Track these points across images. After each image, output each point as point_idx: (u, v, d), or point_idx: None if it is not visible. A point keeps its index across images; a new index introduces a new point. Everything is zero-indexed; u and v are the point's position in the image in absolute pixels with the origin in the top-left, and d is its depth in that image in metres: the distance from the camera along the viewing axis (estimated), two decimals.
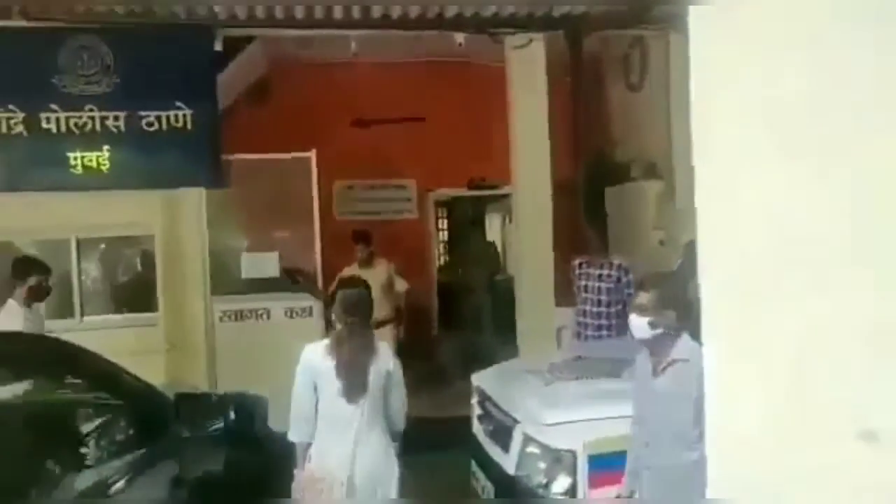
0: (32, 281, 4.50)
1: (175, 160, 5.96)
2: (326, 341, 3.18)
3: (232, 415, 2.89)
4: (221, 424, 2.83)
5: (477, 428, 3.69)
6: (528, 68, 6.32)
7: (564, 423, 2.97)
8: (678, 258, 4.86)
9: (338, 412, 2.97)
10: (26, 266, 4.66)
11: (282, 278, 6.11)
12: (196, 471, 2.92)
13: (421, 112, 7.87)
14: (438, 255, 10.19)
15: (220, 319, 6.11)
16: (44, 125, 5.84)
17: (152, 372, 5.95)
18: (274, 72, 7.68)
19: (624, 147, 7.17)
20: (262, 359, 5.94)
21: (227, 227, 6.26)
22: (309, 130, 7.06)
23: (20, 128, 5.82)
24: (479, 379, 4.06)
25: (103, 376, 2.68)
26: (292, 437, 3.01)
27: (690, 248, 3.86)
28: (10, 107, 5.79)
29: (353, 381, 2.98)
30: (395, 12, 5.95)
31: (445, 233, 11.09)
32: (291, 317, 6.11)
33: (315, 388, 3.03)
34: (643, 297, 2.60)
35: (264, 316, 6.08)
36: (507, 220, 10.10)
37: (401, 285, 6.35)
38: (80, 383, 2.79)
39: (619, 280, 5.08)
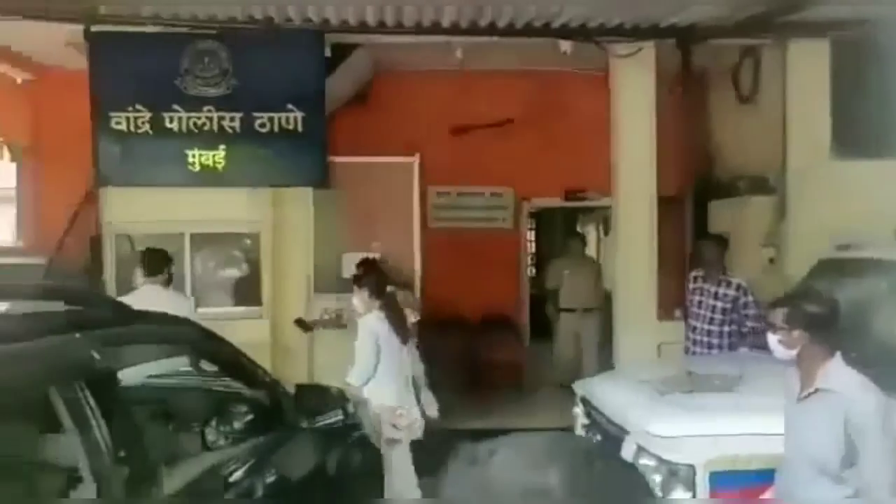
0: (167, 272, 4.78)
1: (284, 160, 6.20)
2: (375, 313, 4.43)
3: (351, 408, 2.97)
4: (340, 418, 2.90)
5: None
6: (634, 78, 6.24)
7: (682, 436, 2.91)
8: (795, 275, 4.66)
9: (394, 354, 4.33)
10: (163, 258, 4.91)
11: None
12: (312, 462, 3.01)
13: (518, 120, 7.89)
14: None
15: (321, 316, 6.29)
16: (167, 124, 6.18)
17: (264, 362, 6.27)
18: (376, 78, 7.86)
19: (732, 161, 6.97)
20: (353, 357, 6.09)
21: (330, 227, 6.45)
22: (407, 137, 7.19)
23: (146, 127, 6.18)
24: (582, 388, 4.02)
25: (234, 364, 2.80)
26: (355, 381, 4.19)
27: (822, 266, 3.72)
28: (139, 107, 6.16)
29: (403, 330, 4.49)
30: (503, 21, 6.00)
31: (532, 244, 11.04)
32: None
33: (377, 344, 4.28)
34: (776, 317, 2.52)
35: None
36: (602, 233, 9.97)
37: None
38: (213, 369, 2.93)
39: (736, 300, 4.92)
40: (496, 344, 7.78)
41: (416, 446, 4.18)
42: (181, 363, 2.97)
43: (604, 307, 7.36)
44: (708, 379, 3.58)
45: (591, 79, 7.05)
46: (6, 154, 8.01)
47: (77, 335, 1.79)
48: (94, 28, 6.14)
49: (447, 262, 7.32)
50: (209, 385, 3.18)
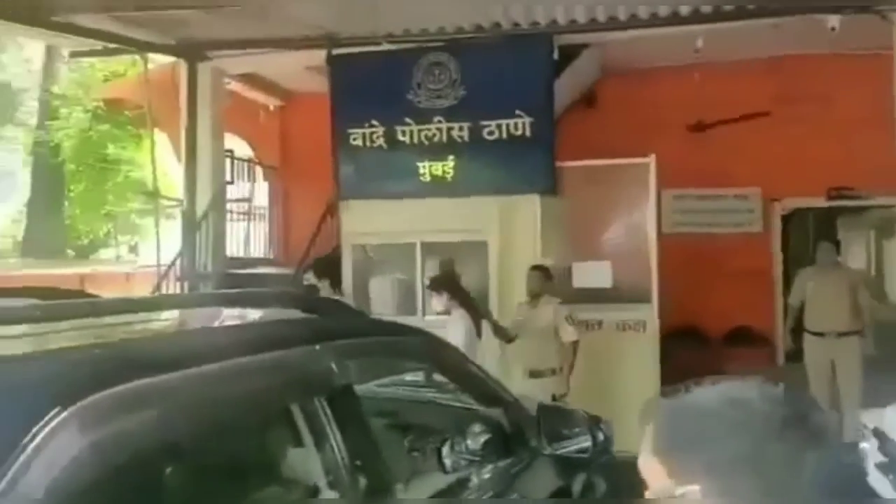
0: None
1: (513, 167, 6.06)
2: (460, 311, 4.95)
3: (601, 435, 2.66)
4: (588, 444, 2.60)
5: (876, 477, 2.98)
6: None
7: None
8: None
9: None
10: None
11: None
12: (555, 490, 2.74)
13: (773, 112, 7.04)
14: None
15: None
16: (399, 137, 6.34)
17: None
18: (603, 78, 7.47)
19: None
20: (591, 371, 5.74)
21: (558, 234, 6.18)
22: (638, 138, 6.70)
23: (381, 141, 6.39)
24: (875, 418, 3.32)
25: (471, 379, 2.62)
26: None
27: None
28: (373, 122, 6.39)
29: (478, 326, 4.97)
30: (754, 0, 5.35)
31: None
32: (623, 329, 5.82)
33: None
34: None
35: (595, 327, 5.86)
36: (876, 238, 8.61)
37: (568, 335, 5.16)
38: (446, 383, 2.77)
39: None
40: (743, 363, 6.97)
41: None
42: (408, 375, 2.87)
43: (864, 330, 5.80)
44: None
45: (865, 59, 6.06)
46: (260, 175, 8.83)
47: (317, 347, 1.70)
48: (334, 52, 6.50)
49: (685, 270, 6.70)
50: (442, 399, 3.04)
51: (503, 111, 6.09)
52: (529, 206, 6.14)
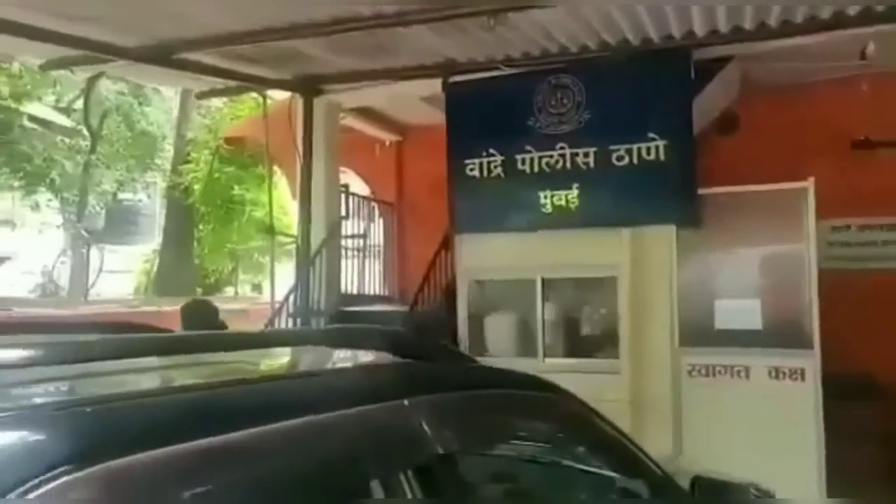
0: None
1: (645, 196, 5.46)
2: None
3: None
4: None
5: None
6: None
7: None
8: None
9: None
10: None
11: None
12: None
13: None
14: None
15: (689, 373, 5.31)
16: (519, 167, 5.90)
17: (616, 422, 5.53)
18: (744, 96, 6.73)
19: None
20: (734, 425, 4.99)
21: (698, 269, 5.47)
22: (788, 162, 5.88)
23: (499, 170, 5.98)
24: None
25: (610, 444, 2.09)
26: None
27: None
28: (491, 151, 6.00)
29: None
30: None
31: None
32: (777, 378, 5.01)
33: None
34: None
35: (742, 374, 5.10)
36: None
37: None
38: (578, 449, 2.24)
39: None
40: None
41: None
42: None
43: None
44: None
45: None
46: (376, 211, 8.65)
47: (405, 402, 1.25)
48: (451, 79, 6.20)
49: (849, 311, 5.77)
50: (570, 463, 2.50)
51: (634, 134, 5.53)
52: (665, 238, 5.49)
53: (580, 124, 5.71)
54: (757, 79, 6.42)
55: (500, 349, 6.10)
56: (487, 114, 6.01)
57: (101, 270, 15.46)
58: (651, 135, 5.45)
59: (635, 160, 5.49)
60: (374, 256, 8.56)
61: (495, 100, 6.00)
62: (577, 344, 6.00)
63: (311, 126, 6.72)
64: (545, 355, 5.91)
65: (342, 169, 8.17)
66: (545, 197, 5.78)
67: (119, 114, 15.68)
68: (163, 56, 5.48)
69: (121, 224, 19.83)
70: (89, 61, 5.79)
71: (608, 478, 2.28)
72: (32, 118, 14.33)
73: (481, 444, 1.78)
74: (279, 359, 1.68)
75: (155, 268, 14.90)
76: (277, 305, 6.87)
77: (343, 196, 7.20)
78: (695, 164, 5.45)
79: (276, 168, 7.76)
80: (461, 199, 6.13)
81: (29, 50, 6.09)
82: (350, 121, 7.82)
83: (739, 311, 5.23)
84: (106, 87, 15.15)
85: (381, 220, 8.75)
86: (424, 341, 1.85)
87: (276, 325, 6.47)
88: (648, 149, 5.45)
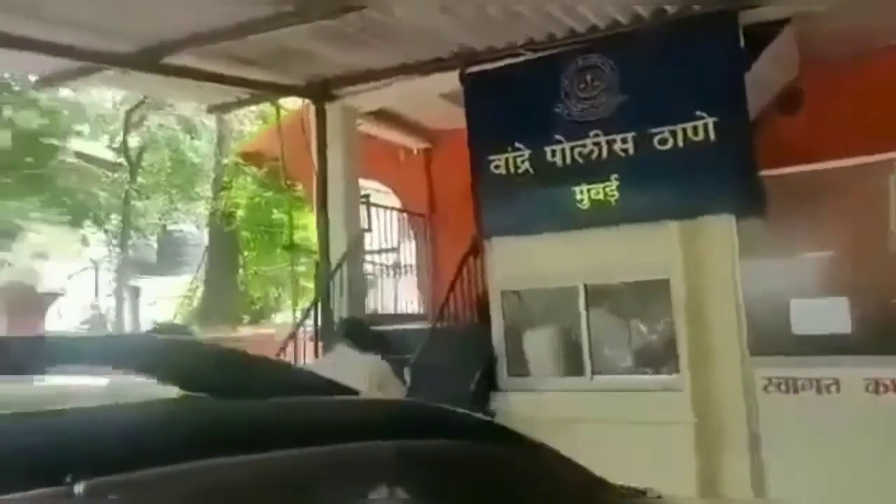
0: None
1: (696, 183, 4.74)
2: None
3: None
4: None
5: None
6: None
7: None
8: None
9: None
10: None
11: None
12: None
13: None
14: None
15: (765, 389, 4.50)
16: (549, 159, 5.26)
17: (677, 449, 4.80)
18: (808, 68, 5.91)
19: None
20: (827, 447, 4.15)
21: (766, 264, 4.68)
22: (865, 137, 5.04)
23: (527, 165, 5.34)
24: None
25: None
26: None
27: None
28: (517, 145, 5.37)
29: None
30: None
31: None
32: (876, 392, 4.14)
33: None
34: None
35: (832, 388, 4.27)
36: None
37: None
38: None
39: None
40: None
41: None
42: None
43: None
44: None
45: None
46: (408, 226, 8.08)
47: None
48: (468, 70, 5.62)
49: None
50: None
51: (678, 114, 4.81)
52: (722, 230, 4.73)
53: (615, 108, 5.03)
54: (819, 48, 5.60)
55: (541, 368, 5.42)
56: (511, 104, 5.40)
57: (144, 303, 15.44)
58: (698, 113, 4.73)
59: (681, 143, 4.77)
60: (407, 272, 7.98)
61: (518, 88, 5.39)
62: (630, 359, 5.26)
63: (324, 133, 6.21)
64: (593, 372, 5.20)
65: (371, 181, 7.67)
66: (581, 192, 5.11)
67: (169, 147, 15.76)
68: (152, 61, 5.07)
69: (170, 256, 19.92)
70: (83, 73, 5.44)
71: None
72: (78, 154, 14.43)
73: None
74: None
75: (198, 296, 14.71)
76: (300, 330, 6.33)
77: (365, 207, 6.65)
78: (753, 144, 4.70)
79: (300, 183, 7.28)
80: (488, 200, 5.52)
81: (20, 64, 5.81)
82: (372, 128, 7.30)
83: (822, 311, 4.39)
84: (155, 122, 15.43)
85: (412, 234, 8.18)
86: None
87: (292, 351, 5.93)
88: (696, 129, 4.73)
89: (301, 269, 13.10)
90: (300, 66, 5.93)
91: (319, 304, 6.07)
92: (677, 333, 4.86)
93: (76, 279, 14.82)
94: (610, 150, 5.02)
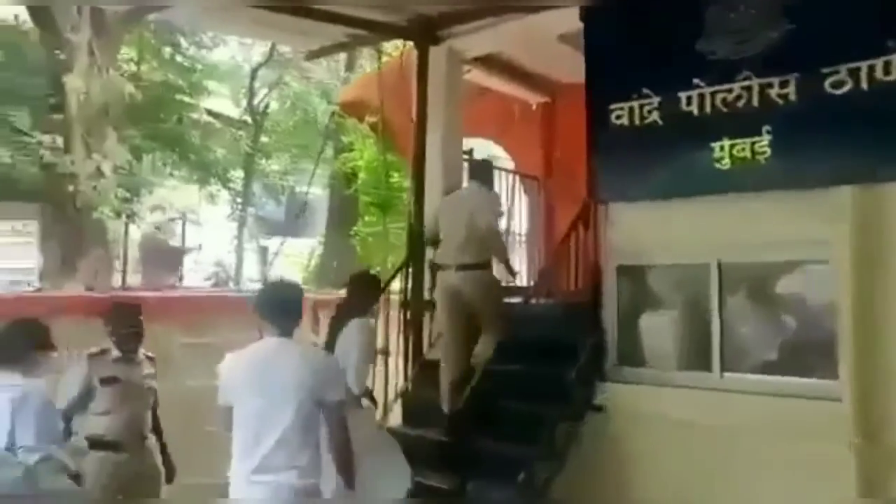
0: None
1: (884, 137, 3.66)
2: None
3: None
4: None
5: None
6: None
7: None
8: None
9: None
10: None
11: None
12: None
13: None
14: None
15: None
16: (684, 108, 4.32)
17: (831, 474, 3.64)
18: None
19: None
20: None
21: None
22: None
23: (655, 115, 4.43)
24: None
25: None
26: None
27: None
28: (645, 91, 4.47)
29: None
30: None
31: None
32: None
33: None
34: None
35: None
36: None
37: None
38: None
39: None
40: None
41: None
42: None
43: None
44: None
45: None
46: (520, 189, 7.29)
47: None
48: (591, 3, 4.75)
49: None
50: None
51: (859, 47, 3.73)
52: None
53: (774, 41, 4.00)
54: None
55: (659, 359, 4.55)
56: (640, 41, 4.48)
57: (271, 263, 15.64)
58: (891, 43, 3.62)
59: (865, 84, 3.69)
60: (517, 241, 7.22)
61: (650, 21, 4.46)
62: (771, 355, 4.27)
63: (425, 80, 5.56)
64: (723, 369, 4.27)
65: (480, 138, 6.97)
66: (721, 148, 4.14)
67: (298, 109, 15.88)
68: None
69: (297, 216, 20.24)
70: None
71: None
72: (209, 111, 14.73)
73: None
74: None
75: (315, 259, 14.70)
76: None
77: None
78: None
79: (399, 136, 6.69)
80: (605, 158, 4.66)
81: None
82: (484, 79, 6.57)
83: None
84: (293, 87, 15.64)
85: (526, 199, 7.40)
86: None
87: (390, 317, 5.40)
88: (888, 65, 3.63)
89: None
90: (404, 5, 5.30)
91: (410, 267, 5.48)
92: (839, 330, 3.83)
93: (202, 236, 15.22)
94: (763, 97, 4.01)
